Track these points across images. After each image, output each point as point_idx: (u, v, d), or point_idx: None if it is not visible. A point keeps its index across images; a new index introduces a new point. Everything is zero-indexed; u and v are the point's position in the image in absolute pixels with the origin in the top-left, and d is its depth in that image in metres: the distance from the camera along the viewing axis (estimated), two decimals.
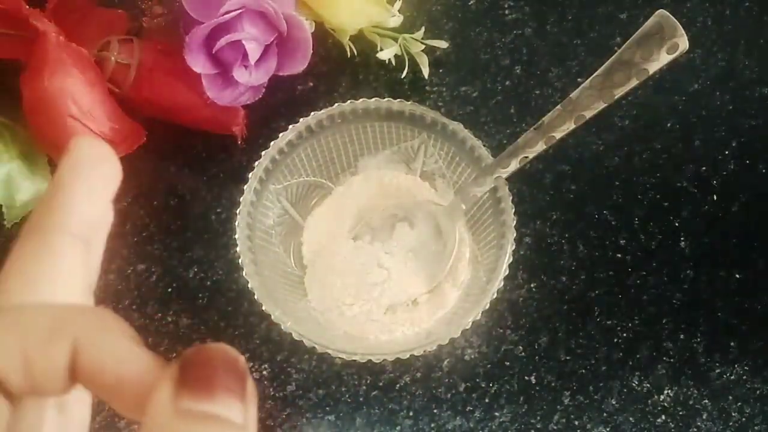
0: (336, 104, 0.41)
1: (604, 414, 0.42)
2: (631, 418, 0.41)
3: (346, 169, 0.45)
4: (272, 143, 0.41)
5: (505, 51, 0.49)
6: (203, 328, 0.43)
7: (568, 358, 0.43)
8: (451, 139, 0.41)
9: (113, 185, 0.19)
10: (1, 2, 0.40)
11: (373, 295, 0.41)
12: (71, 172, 0.18)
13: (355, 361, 0.37)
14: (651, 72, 0.34)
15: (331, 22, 0.45)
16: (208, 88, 0.41)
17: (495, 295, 0.37)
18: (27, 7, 0.40)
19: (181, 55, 0.40)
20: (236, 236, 0.39)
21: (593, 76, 0.35)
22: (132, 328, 0.17)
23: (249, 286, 0.38)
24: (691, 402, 0.42)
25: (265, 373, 0.42)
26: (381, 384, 0.42)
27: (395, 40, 0.46)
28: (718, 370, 0.42)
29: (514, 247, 0.38)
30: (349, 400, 0.42)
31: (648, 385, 0.42)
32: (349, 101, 0.41)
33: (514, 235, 0.38)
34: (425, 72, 0.47)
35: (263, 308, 0.37)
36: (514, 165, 0.38)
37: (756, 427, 0.41)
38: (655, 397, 0.42)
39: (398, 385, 0.42)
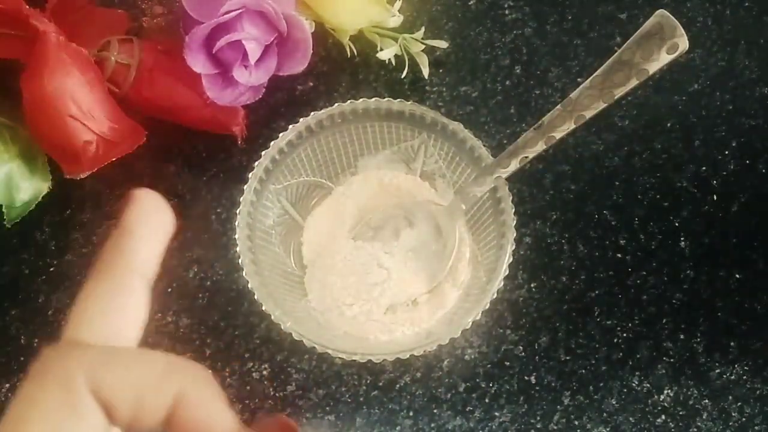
0: (336, 104, 0.41)
1: (604, 414, 0.42)
2: (631, 418, 0.41)
3: (346, 169, 0.45)
4: (272, 143, 0.41)
5: (505, 51, 0.49)
6: (203, 328, 0.43)
7: (568, 358, 0.43)
8: (451, 139, 0.41)
9: (169, 232, 0.21)
10: (1, 2, 0.40)
11: (373, 295, 0.41)
12: (137, 219, 0.20)
13: (355, 361, 0.37)
14: (651, 72, 0.34)
15: (331, 22, 0.45)
16: (208, 88, 0.41)
17: (495, 295, 0.37)
18: (27, 7, 0.40)
19: (181, 55, 0.40)
20: (236, 236, 0.39)
21: (593, 76, 0.35)
22: (220, 388, 0.20)
23: (249, 286, 0.38)
24: (691, 402, 0.42)
25: (265, 373, 0.42)
26: (381, 384, 0.42)
27: (395, 40, 0.46)
28: (718, 370, 0.42)
29: (514, 247, 0.38)
30: (349, 400, 0.42)
31: (648, 385, 0.42)
32: (349, 101, 0.41)
33: (514, 235, 0.38)
34: (425, 72, 0.47)
35: (263, 308, 0.37)
36: (514, 165, 0.38)
37: (756, 427, 0.41)
38: (655, 397, 0.42)
39: (398, 385, 0.42)
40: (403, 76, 0.47)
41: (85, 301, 0.20)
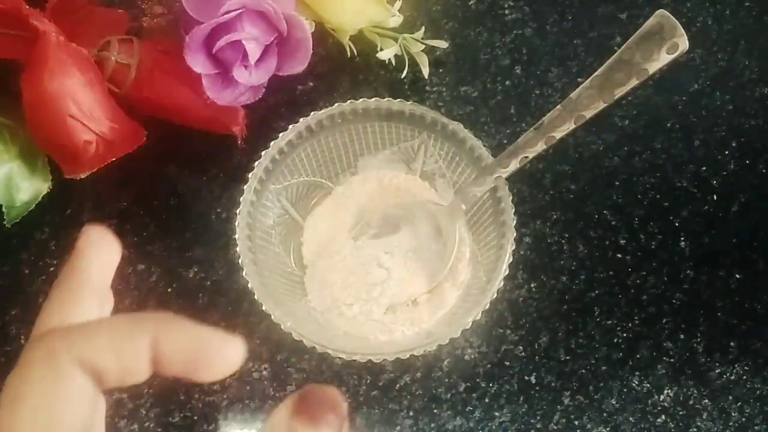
0: (336, 104, 0.41)
1: (604, 414, 0.42)
2: (631, 418, 0.41)
3: (346, 169, 0.45)
4: (272, 143, 0.41)
5: (505, 51, 0.49)
6: None
7: (568, 358, 0.43)
8: (451, 139, 0.41)
9: (117, 255, 0.25)
10: (1, 2, 0.40)
11: (373, 295, 0.41)
12: (87, 244, 0.24)
13: (355, 361, 0.37)
14: (651, 72, 0.34)
15: (331, 22, 0.45)
16: (208, 88, 0.41)
17: (495, 295, 0.37)
18: (27, 7, 0.40)
19: (181, 55, 0.40)
20: (236, 236, 0.39)
21: (593, 76, 0.35)
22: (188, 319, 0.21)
23: (249, 286, 0.38)
24: (691, 402, 0.42)
25: (265, 373, 0.42)
26: (381, 384, 0.42)
27: (395, 40, 0.46)
28: (718, 370, 0.42)
29: (514, 247, 0.38)
30: (349, 400, 0.42)
31: (648, 385, 0.42)
32: (349, 101, 0.41)
33: (514, 235, 0.38)
34: (425, 72, 0.47)
35: (263, 308, 0.37)
36: (514, 165, 0.38)
37: (756, 427, 0.41)
38: (655, 397, 0.42)
39: (398, 385, 0.42)
40: (403, 76, 0.47)
41: (48, 307, 0.23)
